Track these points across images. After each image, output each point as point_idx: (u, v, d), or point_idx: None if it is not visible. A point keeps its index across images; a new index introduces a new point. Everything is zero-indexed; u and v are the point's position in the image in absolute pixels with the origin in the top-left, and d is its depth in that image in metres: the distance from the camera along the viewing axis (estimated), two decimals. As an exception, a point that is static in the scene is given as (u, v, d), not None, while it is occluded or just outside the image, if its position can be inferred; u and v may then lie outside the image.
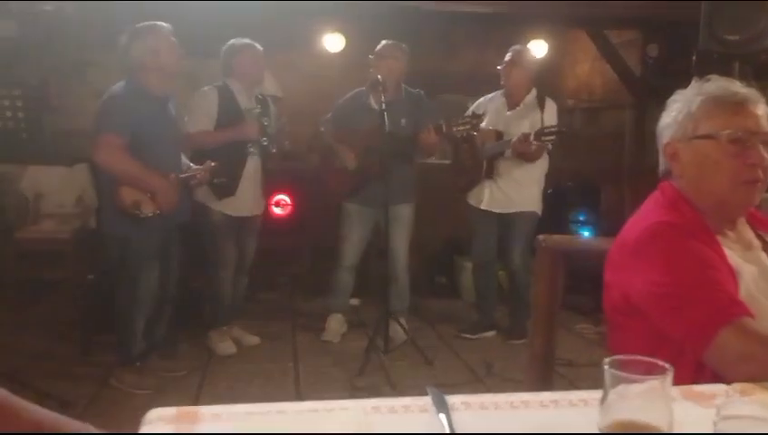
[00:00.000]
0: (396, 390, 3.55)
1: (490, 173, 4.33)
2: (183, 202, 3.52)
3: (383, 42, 4.21)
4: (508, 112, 4.36)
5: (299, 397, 3.46)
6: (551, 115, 4.27)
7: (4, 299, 4.50)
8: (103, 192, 3.43)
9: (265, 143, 3.93)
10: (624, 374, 0.85)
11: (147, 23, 3.38)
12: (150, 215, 3.29)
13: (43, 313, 4.64)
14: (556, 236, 2.24)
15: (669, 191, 1.60)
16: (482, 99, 4.51)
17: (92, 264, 4.43)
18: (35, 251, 4.85)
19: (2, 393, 0.83)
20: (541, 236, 2.18)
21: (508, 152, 4.22)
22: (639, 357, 0.88)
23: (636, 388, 0.84)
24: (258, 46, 3.97)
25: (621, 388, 0.85)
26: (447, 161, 4.97)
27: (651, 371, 0.86)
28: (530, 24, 5.45)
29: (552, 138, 3.97)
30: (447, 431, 1.03)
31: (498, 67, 4.36)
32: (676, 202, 1.57)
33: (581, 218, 5.39)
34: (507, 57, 4.33)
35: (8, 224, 4.99)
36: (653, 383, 0.84)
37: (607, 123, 5.86)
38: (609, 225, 5.17)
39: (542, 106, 4.29)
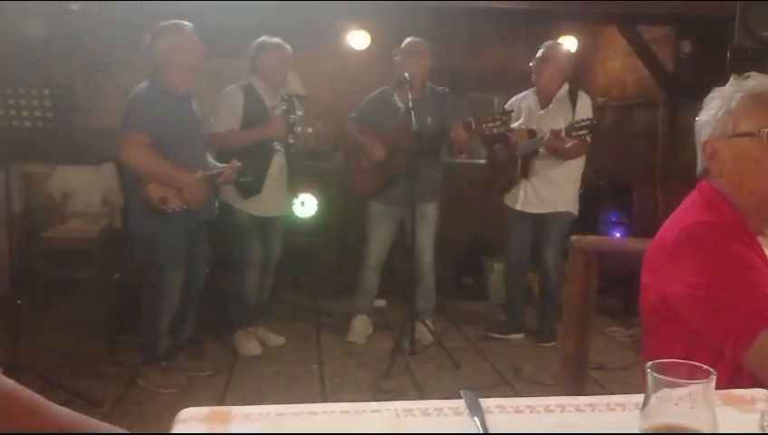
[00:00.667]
0: (422, 393, 3.51)
1: (525, 173, 4.26)
2: (209, 200, 3.54)
3: (407, 39, 4.18)
4: (541, 111, 4.29)
5: (324, 398, 3.44)
6: (584, 109, 4.18)
7: (33, 298, 4.54)
8: (130, 191, 3.45)
9: (291, 141, 3.91)
10: (667, 378, 0.82)
11: (169, 22, 3.39)
12: (177, 210, 3.31)
13: (71, 312, 4.68)
14: (590, 237, 2.20)
15: (707, 191, 1.57)
16: (513, 98, 4.45)
17: (118, 263, 4.47)
18: (63, 250, 4.92)
19: (30, 395, 0.82)
20: (574, 237, 2.14)
21: (542, 151, 4.15)
22: (682, 361, 0.86)
23: (678, 392, 0.82)
24: (287, 46, 3.95)
25: (664, 392, 0.83)
26: (476, 160, 4.92)
27: (694, 375, 0.84)
28: (559, 20, 5.38)
29: (583, 132, 3.89)
30: (482, 436, 1.00)
31: (530, 64, 4.29)
32: (715, 202, 1.54)
33: (613, 219, 5.30)
34: (539, 54, 4.27)
35: (36, 223, 5.05)
36: (696, 388, 0.82)
37: (639, 121, 5.76)
38: (641, 225, 5.08)
39: (573, 101, 4.21)
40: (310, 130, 3.94)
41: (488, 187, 4.60)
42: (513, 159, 4.29)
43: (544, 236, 4.29)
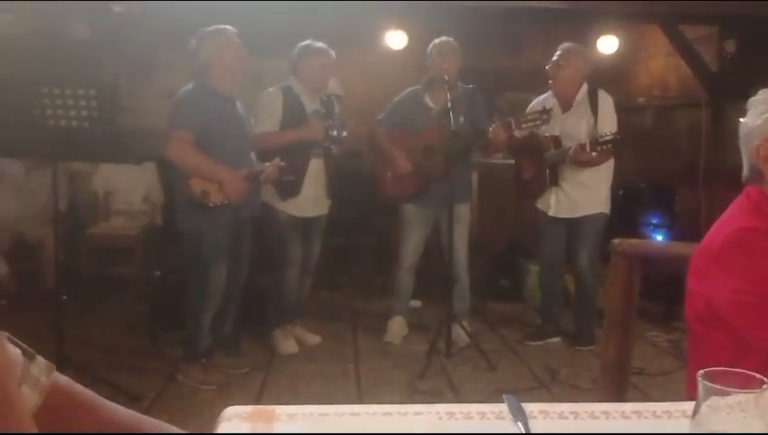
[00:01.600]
0: (458, 395, 3.49)
1: (555, 180, 4.23)
2: (252, 196, 3.61)
3: (438, 39, 4.15)
4: (562, 114, 4.23)
5: (360, 398, 3.45)
6: (606, 113, 4.11)
7: (77, 293, 4.65)
8: (177, 189, 3.53)
9: (326, 144, 3.94)
10: (719, 387, 0.80)
11: (213, 27, 3.50)
12: (219, 204, 3.40)
13: (113, 307, 4.78)
14: (633, 240, 2.16)
15: (755, 195, 1.53)
16: (534, 102, 4.38)
17: (159, 260, 4.54)
18: (105, 247, 5.02)
19: (84, 392, 0.84)
20: (616, 240, 2.10)
21: (567, 160, 4.11)
22: (734, 369, 0.84)
23: (729, 401, 0.80)
24: (331, 52, 3.97)
25: (713, 400, 0.81)
26: (512, 161, 4.88)
27: (746, 383, 0.82)
28: (600, 19, 5.30)
29: (608, 146, 3.85)
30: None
31: (546, 67, 4.24)
32: (763, 207, 1.51)
33: (654, 221, 5.20)
34: (554, 57, 4.19)
35: (80, 220, 5.17)
36: (748, 397, 0.79)
37: (681, 122, 5.65)
38: (683, 228, 4.97)
39: (594, 103, 4.14)
40: (345, 133, 3.97)
41: (521, 193, 4.56)
42: (542, 167, 4.25)
43: (578, 238, 4.24)
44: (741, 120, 1.55)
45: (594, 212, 4.19)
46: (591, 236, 4.17)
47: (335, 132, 3.90)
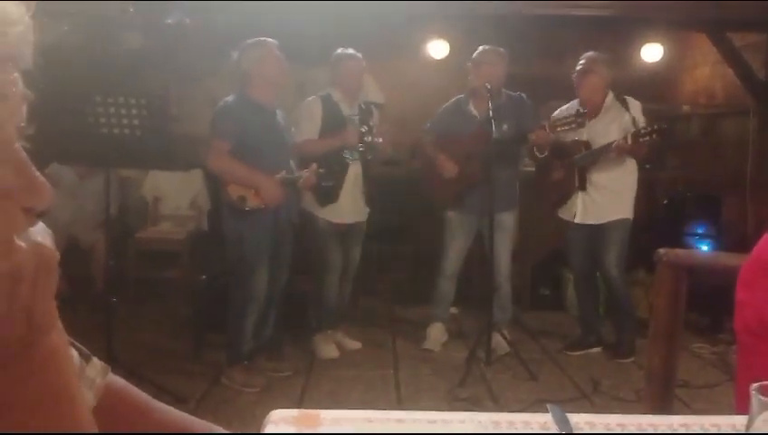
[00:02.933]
0: (498, 403, 3.48)
1: (583, 184, 4.19)
2: (290, 201, 3.68)
3: (480, 47, 4.17)
4: (589, 122, 4.19)
5: (400, 404, 3.46)
6: (639, 114, 4.09)
7: (125, 296, 4.77)
8: (219, 195, 3.64)
9: (361, 150, 3.99)
10: None
11: (255, 39, 3.59)
12: (255, 208, 3.50)
13: (160, 310, 4.89)
14: (678, 250, 2.14)
15: None
16: (557, 111, 4.35)
17: (205, 264, 4.63)
18: (153, 251, 5.13)
19: (138, 395, 0.86)
20: (662, 250, 2.08)
21: (606, 158, 4.09)
22: None
23: None
24: (358, 56, 4.05)
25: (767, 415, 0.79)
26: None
27: None
28: (644, 27, 5.23)
29: (652, 138, 3.82)
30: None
31: (573, 76, 4.21)
32: None
33: (700, 231, 5.10)
34: (578, 66, 4.19)
35: (130, 225, 5.31)
36: None
37: (728, 130, 5.53)
38: (730, 239, 4.86)
39: (625, 108, 4.13)
40: (380, 139, 4.02)
41: (544, 201, 4.52)
42: (570, 171, 4.22)
43: (604, 246, 4.20)
44: None
45: (619, 218, 4.16)
46: (618, 242, 4.14)
47: (369, 138, 3.96)
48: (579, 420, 1.11)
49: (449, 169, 4.14)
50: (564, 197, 4.29)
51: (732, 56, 5.08)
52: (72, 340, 0.79)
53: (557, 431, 1.07)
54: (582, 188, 4.20)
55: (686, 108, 5.99)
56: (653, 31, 5.33)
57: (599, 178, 4.17)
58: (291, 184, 3.63)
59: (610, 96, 4.19)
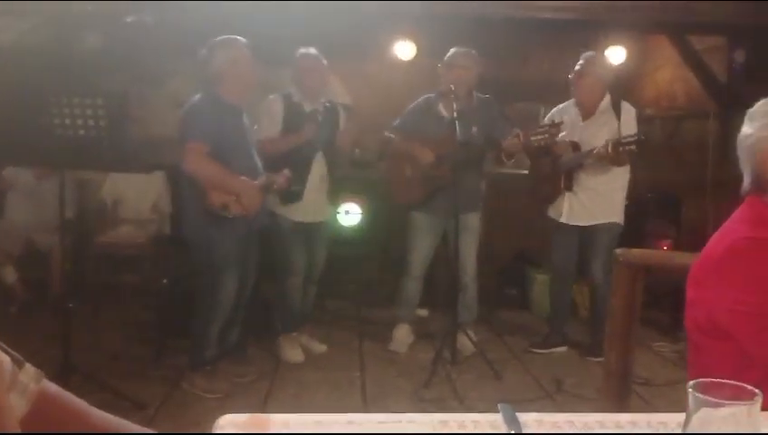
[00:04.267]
0: (463, 403, 3.49)
1: (569, 185, 4.22)
2: (263, 206, 3.64)
3: (452, 50, 4.17)
4: (583, 123, 4.24)
5: (365, 406, 3.45)
6: (629, 121, 4.12)
7: (84, 301, 4.67)
8: (187, 199, 3.54)
9: (328, 149, 3.96)
10: (708, 398, 0.79)
11: (225, 37, 3.52)
12: (237, 216, 3.41)
13: (120, 315, 4.80)
14: (635, 250, 2.17)
15: (758, 206, 1.53)
16: (554, 109, 4.39)
17: (166, 269, 4.56)
18: (113, 255, 5.06)
19: (72, 400, 0.84)
20: (618, 250, 2.11)
21: (587, 163, 4.11)
22: (726, 380, 0.83)
23: (721, 413, 0.79)
24: (318, 55, 4.03)
25: (705, 412, 0.80)
26: (520, 170, 4.87)
27: (738, 395, 0.80)
28: (607, 30, 5.30)
29: (631, 147, 3.83)
30: (518, 451, 1.00)
31: (569, 76, 4.24)
32: (765, 217, 1.50)
33: (661, 232, 5.18)
34: (577, 67, 4.20)
35: (89, 228, 5.21)
36: (740, 409, 0.78)
37: (689, 133, 5.63)
38: (690, 239, 4.95)
39: (617, 112, 4.15)
40: (345, 140, 4.00)
41: (531, 197, 4.56)
42: (557, 172, 4.25)
43: (591, 249, 4.23)
44: (746, 131, 1.52)
45: (607, 221, 4.18)
46: (605, 247, 4.12)
47: (329, 135, 3.94)
48: (528, 418, 1.11)
49: (426, 155, 4.10)
50: (552, 196, 4.31)
51: (692, 59, 5.18)
52: (4, 345, 0.77)
53: (506, 431, 1.07)
54: (569, 188, 4.22)
55: (649, 111, 6.07)
56: (616, 34, 5.40)
57: (586, 179, 4.19)
58: (267, 189, 3.59)
59: (607, 99, 4.21)
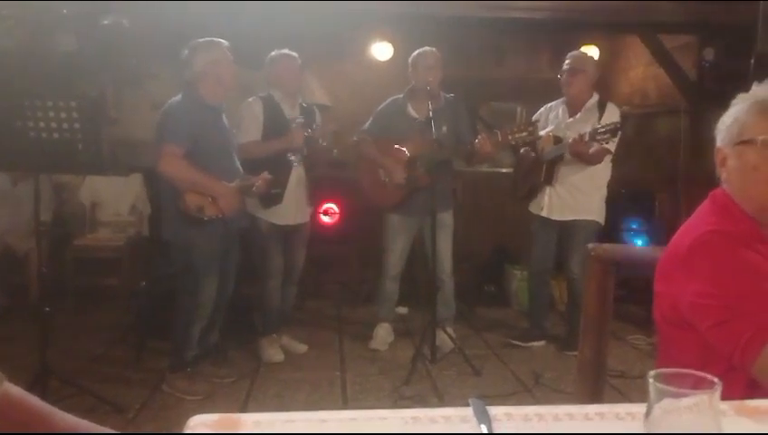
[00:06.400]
0: (443, 400, 3.52)
1: (549, 179, 4.26)
2: (241, 208, 3.64)
3: (420, 50, 4.18)
4: (569, 119, 4.29)
5: (345, 405, 3.47)
6: (611, 118, 4.16)
7: (63, 305, 4.64)
8: (165, 201, 3.53)
9: (305, 154, 3.98)
10: (669, 388, 0.81)
11: (207, 38, 3.52)
12: (213, 218, 3.41)
13: (99, 318, 4.77)
14: (606, 245, 2.21)
15: (721, 198, 1.56)
16: (543, 108, 4.45)
17: (145, 271, 4.53)
18: (92, 258, 5.01)
19: (35, 403, 0.85)
20: (591, 245, 2.14)
21: (567, 156, 4.16)
22: (687, 371, 0.85)
23: (682, 403, 0.80)
24: (293, 55, 4.04)
25: (667, 402, 0.81)
26: (498, 169, 4.92)
27: (699, 385, 0.82)
28: (581, 30, 5.36)
29: (607, 136, 3.87)
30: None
31: (559, 76, 4.29)
32: (729, 209, 1.53)
33: (635, 227, 5.26)
34: (566, 65, 4.24)
35: (67, 232, 5.16)
36: (701, 398, 0.80)
37: (661, 129, 5.72)
38: (663, 234, 5.03)
39: (602, 111, 4.21)
40: (324, 143, 4.01)
41: (512, 192, 4.60)
42: (539, 165, 4.29)
43: (569, 245, 4.28)
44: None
45: (586, 218, 4.22)
46: (583, 243, 4.14)
47: (315, 140, 3.95)
48: (498, 411, 1.12)
49: (398, 174, 4.13)
50: (533, 190, 4.35)
51: (663, 57, 5.25)
52: None
53: (477, 424, 1.09)
54: (548, 182, 4.26)
55: (623, 108, 6.15)
56: (588, 33, 5.47)
57: (566, 174, 4.23)
58: (245, 191, 3.59)
59: (595, 98, 4.26)
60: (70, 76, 4.67)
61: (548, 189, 4.29)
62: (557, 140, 4.22)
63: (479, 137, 3.96)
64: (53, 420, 0.85)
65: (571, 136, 4.10)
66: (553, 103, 4.40)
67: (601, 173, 4.24)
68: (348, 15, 4.60)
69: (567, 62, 4.25)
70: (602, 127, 3.92)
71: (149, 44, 4.99)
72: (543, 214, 4.31)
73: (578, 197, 4.23)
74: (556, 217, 4.29)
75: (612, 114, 4.18)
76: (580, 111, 4.26)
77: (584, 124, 4.17)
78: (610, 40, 5.84)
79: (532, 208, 4.39)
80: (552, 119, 4.36)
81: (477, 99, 4.45)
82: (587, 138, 3.93)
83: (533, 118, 4.40)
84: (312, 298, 5.26)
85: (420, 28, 4.90)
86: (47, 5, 4.29)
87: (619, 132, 3.89)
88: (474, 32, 5.44)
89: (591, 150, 4.02)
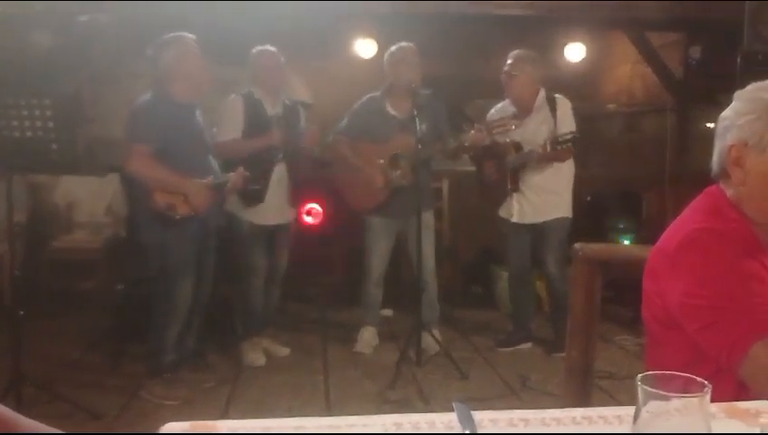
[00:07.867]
0: (428, 404, 3.46)
1: (515, 186, 4.23)
2: (217, 207, 3.58)
3: (397, 46, 4.12)
4: (522, 121, 4.22)
5: (329, 410, 3.41)
6: (565, 116, 4.13)
7: (38, 308, 4.52)
8: (138, 201, 3.49)
9: (286, 151, 3.91)
10: (657, 391, 0.79)
11: (172, 34, 3.46)
12: (186, 216, 3.36)
13: (75, 322, 4.65)
14: (593, 245, 2.15)
15: (714, 195, 1.50)
16: (492, 110, 4.38)
17: (122, 274, 4.45)
18: (67, 260, 4.92)
19: (2, 408, 0.81)
20: (577, 245, 2.09)
21: (530, 162, 4.12)
22: (676, 373, 0.83)
23: (671, 405, 0.79)
24: (275, 51, 3.98)
25: (656, 405, 0.79)
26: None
27: (688, 387, 0.81)
28: (566, 27, 5.34)
29: (567, 145, 3.87)
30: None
31: (501, 77, 4.23)
32: (722, 208, 1.48)
33: (621, 226, 5.24)
34: (505, 66, 4.19)
35: (42, 233, 5.06)
36: (690, 401, 0.78)
37: (648, 128, 5.71)
38: (650, 233, 5.01)
39: (553, 107, 4.15)
40: (304, 143, 3.96)
41: (482, 200, 4.56)
42: (503, 174, 4.25)
43: (544, 245, 4.25)
44: (722, 115, 1.46)
45: (557, 217, 4.21)
46: (557, 242, 4.18)
47: (297, 138, 3.89)
48: (483, 416, 1.09)
49: (377, 178, 4.07)
50: (501, 197, 4.31)
51: (650, 55, 5.25)
52: None
53: (461, 430, 1.05)
54: (516, 189, 4.23)
55: (610, 106, 6.15)
56: (575, 31, 5.45)
57: (532, 178, 4.19)
58: (219, 188, 3.52)
59: (542, 94, 4.20)
60: (45, 74, 4.57)
61: (516, 195, 4.26)
62: (517, 146, 4.17)
63: (471, 131, 3.92)
64: (18, 427, 0.81)
65: (529, 138, 4.09)
66: (501, 105, 4.33)
67: (566, 170, 4.22)
68: (331, 12, 4.54)
69: (507, 62, 4.20)
70: (561, 136, 3.91)
71: (128, 41, 4.90)
72: (515, 220, 4.28)
73: (546, 197, 4.21)
74: (528, 220, 4.26)
75: (565, 111, 4.13)
76: (531, 110, 4.19)
77: (540, 124, 4.15)
78: (597, 38, 5.83)
79: (502, 213, 4.36)
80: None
81: (462, 97, 4.40)
82: (549, 148, 3.92)
83: (487, 118, 4.32)
84: (295, 300, 5.18)
85: (405, 25, 4.85)
86: (21, 3, 4.20)
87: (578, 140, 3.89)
88: (459, 29, 5.40)
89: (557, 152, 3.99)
